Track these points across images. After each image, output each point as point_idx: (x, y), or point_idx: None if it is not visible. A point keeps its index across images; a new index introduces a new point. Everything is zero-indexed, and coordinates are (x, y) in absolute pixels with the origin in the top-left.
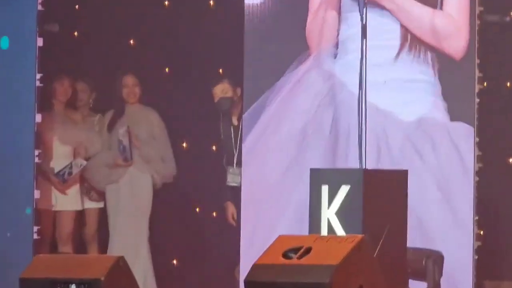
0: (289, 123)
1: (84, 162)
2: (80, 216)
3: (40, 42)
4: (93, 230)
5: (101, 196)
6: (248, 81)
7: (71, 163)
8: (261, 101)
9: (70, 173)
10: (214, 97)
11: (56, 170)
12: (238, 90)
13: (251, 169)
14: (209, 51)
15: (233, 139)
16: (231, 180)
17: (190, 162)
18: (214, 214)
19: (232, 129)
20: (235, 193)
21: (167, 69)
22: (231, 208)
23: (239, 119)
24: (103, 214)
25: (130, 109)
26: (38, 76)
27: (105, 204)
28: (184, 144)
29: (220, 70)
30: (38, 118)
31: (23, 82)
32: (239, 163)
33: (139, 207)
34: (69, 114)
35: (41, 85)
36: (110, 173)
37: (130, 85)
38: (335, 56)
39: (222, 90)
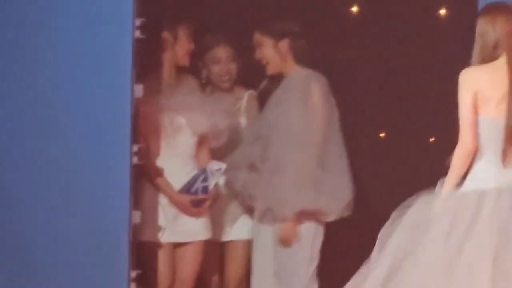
0: None
1: (223, 166)
2: (212, 251)
3: None
4: (237, 277)
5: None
6: None
7: (205, 169)
8: None
9: (205, 189)
10: None
11: (167, 175)
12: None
13: None
14: None
15: None
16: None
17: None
18: None
19: None
20: None
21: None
22: None
23: None
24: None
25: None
26: (138, 22)
27: None
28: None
29: None
30: (138, 91)
31: (112, 33)
32: None
33: None
34: (190, 83)
35: (142, 36)
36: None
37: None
38: None
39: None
